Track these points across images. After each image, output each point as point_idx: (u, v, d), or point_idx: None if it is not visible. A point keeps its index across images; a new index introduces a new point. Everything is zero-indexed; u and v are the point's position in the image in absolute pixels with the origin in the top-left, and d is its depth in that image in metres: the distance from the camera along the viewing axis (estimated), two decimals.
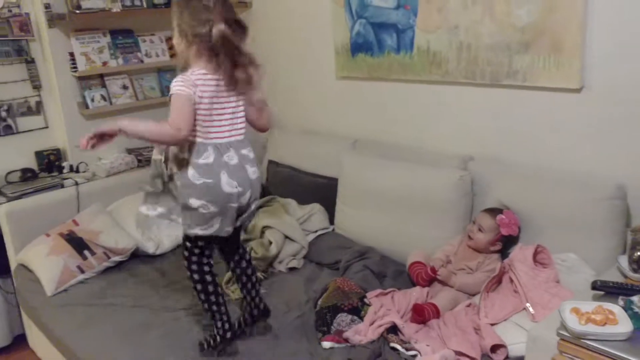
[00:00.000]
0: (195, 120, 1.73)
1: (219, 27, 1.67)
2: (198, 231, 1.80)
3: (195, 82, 1.70)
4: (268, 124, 1.97)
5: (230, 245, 2.00)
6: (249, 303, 2.03)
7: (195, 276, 1.89)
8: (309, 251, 2.55)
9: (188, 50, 1.75)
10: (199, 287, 1.90)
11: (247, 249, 2.07)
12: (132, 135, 1.72)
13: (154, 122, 1.71)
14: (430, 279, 2.11)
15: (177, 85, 1.70)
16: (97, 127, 1.71)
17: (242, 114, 1.83)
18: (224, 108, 1.77)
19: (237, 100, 1.80)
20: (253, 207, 1.89)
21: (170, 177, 1.84)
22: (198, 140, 1.76)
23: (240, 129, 1.82)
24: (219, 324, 1.92)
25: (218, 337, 1.92)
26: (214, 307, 1.92)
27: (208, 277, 1.89)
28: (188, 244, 1.89)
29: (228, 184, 1.76)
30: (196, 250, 1.88)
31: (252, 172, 1.83)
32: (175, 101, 1.69)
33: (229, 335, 1.92)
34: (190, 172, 1.75)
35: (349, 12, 2.75)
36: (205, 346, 1.93)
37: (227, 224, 1.81)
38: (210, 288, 1.90)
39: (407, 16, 2.51)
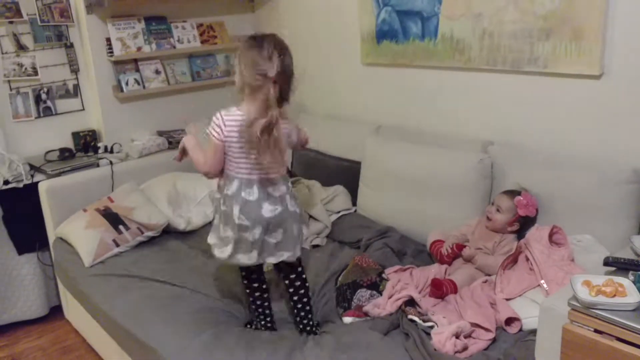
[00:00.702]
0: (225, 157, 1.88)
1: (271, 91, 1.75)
2: (218, 253, 1.97)
3: (226, 122, 1.82)
4: (305, 144, 2.08)
5: (285, 272, 2.07)
6: (296, 319, 2.07)
7: (244, 282, 2.09)
8: (332, 230, 2.65)
9: (242, 89, 1.84)
10: (247, 291, 2.09)
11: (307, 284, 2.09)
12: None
13: (203, 153, 1.91)
14: (455, 256, 2.19)
15: (212, 127, 1.84)
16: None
17: (277, 152, 1.86)
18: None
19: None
20: (271, 240, 1.92)
21: None
22: (228, 172, 1.90)
23: (268, 168, 1.86)
24: (261, 322, 2.08)
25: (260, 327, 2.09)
26: (259, 310, 2.08)
27: (254, 286, 2.07)
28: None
29: (237, 217, 1.86)
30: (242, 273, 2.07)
31: (270, 210, 1.87)
32: (210, 145, 1.86)
33: (268, 330, 2.07)
34: (221, 201, 1.93)
35: None
36: (251, 325, 2.11)
37: (241, 251, 1.92)
38: (256, 295, 2.07)
39: (432, 4, 2.58)
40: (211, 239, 2.01)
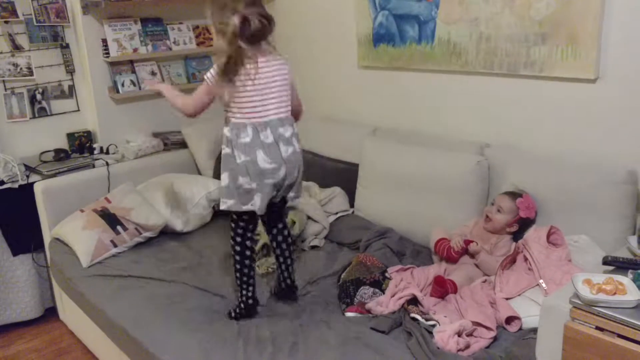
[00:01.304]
0: (231, 102, 1.91)
1: (234, 21, 1.83)
2: (242, 208, 1.95)
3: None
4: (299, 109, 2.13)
5: (273, 219, 2.13)
6: (279, 274, 2.18)
7: (237, 248, 2.06)
8: (330, 231, 2.67)
9: (229, 45, 1.88)
10: (237, 257, 2.07)
11: (288, 224, 2.20)
12: (167, 98, 2.11)
13: (182, 96, 2.06)
14: (463, 251, 2.22)
15: (210, 73, 1.92)
16: (151, 82, 2.12)
17: (283, 91, 1.95)
18: (264, 88, 1.91)
19: (279, 77, 1.94)
20: (287, 182, 1.98)
21: None
22: (239, 120, 1.91)
23: (280, 107, 1.94)
24: (244, 292, 2.09)
25: (242, 304, 2.09)
26: (244, 278, 2.08)
27: (247, 252, 2.07)
28: (233, 221, 2.05)
29: (264, 161, 1.90)
30: (241, 224, 2.04)
31: (285, 150, 1.94)
32: (200, 87, 1.95)
33: (250, 302, 2.09)
34: (235, 151, 1.91)
35: (372, 3, 2.86)
36: (232, 314, 2.09)
37: (265, 199, 1.94)
38: (247, 262, 2.07)
39: (429, 8, 2.62)
40: (227, 201, 1.96)
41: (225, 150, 1.95)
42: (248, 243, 2.07)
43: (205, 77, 1.94)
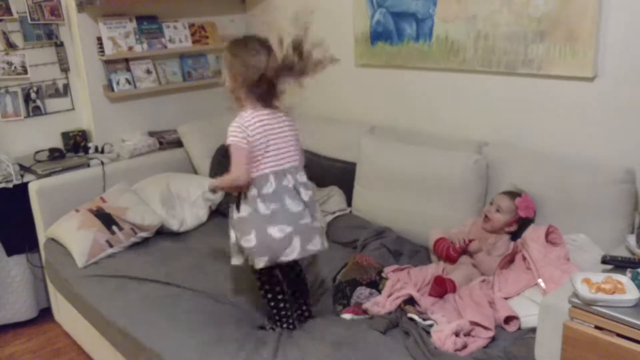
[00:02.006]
0: (252, 160, 1.87)
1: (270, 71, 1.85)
2: (280, 259, 1.89)
3: (247, 125, 1.85)
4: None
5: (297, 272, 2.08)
6: (296, 310, 2.09)
7: (269, 295, 1.99)
8: (327, 231, 2.64)
9: (240, 91, 1.89)
10: (272, 304, 1.99)
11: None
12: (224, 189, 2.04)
13: (233, 171, 1.89)
14: (463, 250, 2.21)
15: (232, 135, 1.86)
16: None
17: (293, 141, 1.95)
18: (277, 138, 1.90)
19: (288, 129, 1.94)
20: (317, 225, 1.96)
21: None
22: (259, 173, 1.88)
23: (293, 155, 1.94)
24: (284, 326, 2.00)
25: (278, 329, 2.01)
26: (282, 312, 2.00)
27: (279, 296, 1.99)
28: (262, 274, 1.97)
29: (292, 205, 1.88)
30: (272, 277, 1.97)
31: (305, 194, 1.93)
32: (233, 152, 1.87)
33: (292, 328, 2.02)
34: (259, 205, 1.86)
35: (369, 1, 2.85)
36: (267, 328, 2.03)
37: (304, 243, 1.89)
38: (281, 304, 1.99)
39: (426, 6, 2.60)
40: (263, 258, 1.87)
41: (244, 212, 1.89)
42: (277, 289, 1.98)
43: (231, 142, 1.86)
